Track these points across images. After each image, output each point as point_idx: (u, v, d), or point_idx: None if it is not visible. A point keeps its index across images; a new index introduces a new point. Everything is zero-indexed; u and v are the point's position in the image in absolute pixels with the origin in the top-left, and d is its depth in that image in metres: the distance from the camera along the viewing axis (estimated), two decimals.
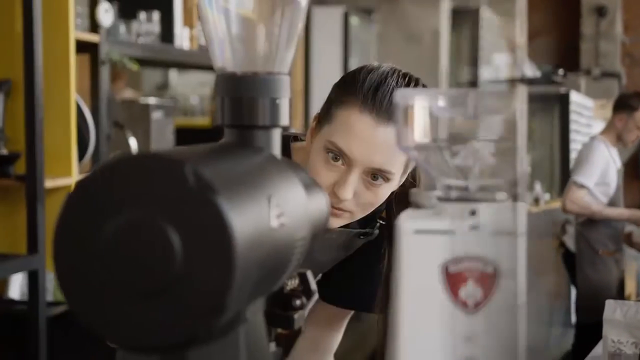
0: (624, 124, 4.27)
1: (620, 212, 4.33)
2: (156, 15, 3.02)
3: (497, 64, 5.62)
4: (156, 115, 3.08)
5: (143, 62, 3.24)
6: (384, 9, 5.43)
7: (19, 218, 2.43)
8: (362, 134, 1.23)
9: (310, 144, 1.31)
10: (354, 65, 5.93)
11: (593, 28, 8.68)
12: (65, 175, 2.49)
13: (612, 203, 4.27)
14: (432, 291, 0.68)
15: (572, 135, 6.75)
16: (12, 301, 2.76)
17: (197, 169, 0.61)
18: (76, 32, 2.53)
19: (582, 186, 4.16)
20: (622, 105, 4.34)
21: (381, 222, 1.42)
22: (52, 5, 2.45)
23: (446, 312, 0.68)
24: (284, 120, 0.81)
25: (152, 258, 0.60)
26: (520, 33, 5.72)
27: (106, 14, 2.64)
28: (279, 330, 0.86)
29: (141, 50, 2.96)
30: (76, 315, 0.63)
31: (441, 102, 0.70)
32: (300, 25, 0.83)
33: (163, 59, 3.20)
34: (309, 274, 0.85)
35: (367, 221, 1.41)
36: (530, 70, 5.95)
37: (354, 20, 4.89)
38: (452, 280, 0.67)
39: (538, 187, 6.09)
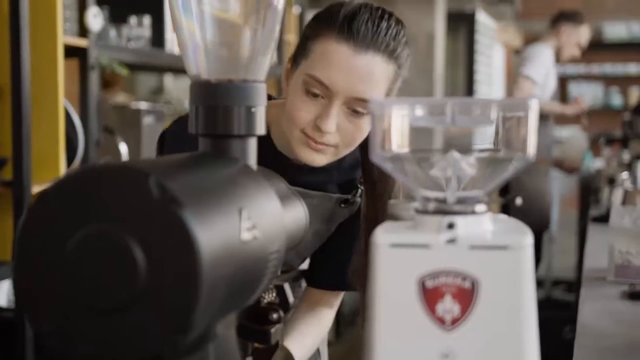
0: (568, 36, 4.36)
1: (564, 107, 4.46)
2: (147, 20, 2.99)
3: None
4: (147, 120, 3.05)
5: (134, 67, 3.22)
6: None
7: (6, 224, 2.40)
8: (341, 64, 1.21)
9: (286, 86, 1.30)
10: None
11: None
12: (53, 180, 2.46)
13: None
14: (409, 306, 0.65)
15: (475, 56, 6.87)
16: (0, 308, 2.73)
17: (162, 181, 0.59)
18: (65, 36, 2.51)
19: (529, 78, 4.22)
20: (568, 18, 4.44)
21: (361, 188, 1.40)
22: (40, 10, 2.43)
23: (423, 328, 0.65)
24: (260, 129, 0.79)
25: (115, 273, 0.58)
26: None
27: (95, 19, 2.61)
28: (256, 344, 0.84)
29: (131, 54, 2.94)
30: (36, 331, 0.61)
31: (419, 111, 0.68)
32: (277, 30, 0.81)
33: (154, 63, 3.17)
34: (286, 286, 0.83)
35: (347, 187, 1.41)
36: None
37: None
38: (429, 295, 0.65)
39: None
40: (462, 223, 0.66)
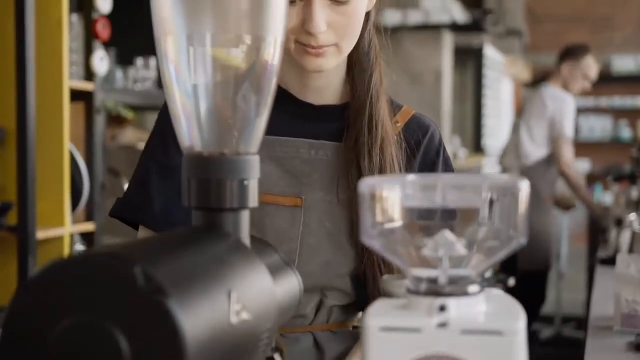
0: (570, 72, 4.34)
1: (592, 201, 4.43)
2: (153, 62, 3.01)
3: (426, 7, 5.43)
4: None
5: (141, 108, 3.23)
6: (386, 50, 5.39)
7: (10, 270, 2.39)
8: None
9: None
10: None
11: None
12: (58, 225, 2.46)
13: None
14: None
15: (483, 90, 6.91)
16: None
17: (148, 269, 0.58)
18: (71, 81, 2.52)
19: (570, 137, 4.23)
20: (569, 54, 4.44)
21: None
22: (46, 54, 2.44)
23: None
24: (253, 201, 0.78)
25: None
26: None
27: (101, 63, 2.63)
28: None
29: (138, 97, 2.95)
30: None
31: (409, 190, 0.67)
32: (272, 94, 0.80)
33: (160, 105, 3.19)
34: (277, 357, 0.82)
35: None
36: (460, 15, 5.77)
37: None
38: None
39: (457, 141, 6.10)
40: (454, 305, 0.65)
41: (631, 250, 2.89)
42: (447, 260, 0.67)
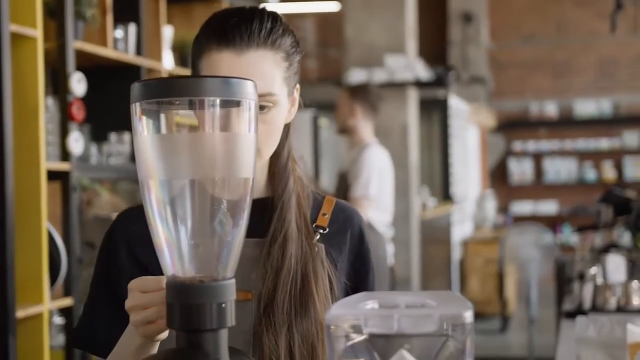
0: None
1: None
2: (127, 136, 3.10)
3: (390, 67, 5.58)
4: None
5: (116, 180, 3.32)
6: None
7: None
8: (227, 69, 1.23)
9: None
10: (324, 165, 6.01)
11: (460, 34, 9.08)
12: (37, 303, 2.52)
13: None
14: None
15: (449, 140, 7.08)
16: None
17: None
18: (47, 162, 2.60)
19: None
20: None
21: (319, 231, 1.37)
22: (23, 137, 2.52)
23: None
24: (231, 320, 0.87)
25: None
26: (410, 33, 5.67)
27: (76, 143, 2.71)
28: None
29: (112, 171, 3.04)
30: None
31: (370, 322, 0.76)
32: (243, 230, 0.90)
33: (134, 178, 3.27)
34: None
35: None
36: (423, 72, 5.84)
37: (323, 122, 5.00)
38: None
39: (426, 191, 6.21)
40: None
41: (594, 303, 2.99)
42: None
